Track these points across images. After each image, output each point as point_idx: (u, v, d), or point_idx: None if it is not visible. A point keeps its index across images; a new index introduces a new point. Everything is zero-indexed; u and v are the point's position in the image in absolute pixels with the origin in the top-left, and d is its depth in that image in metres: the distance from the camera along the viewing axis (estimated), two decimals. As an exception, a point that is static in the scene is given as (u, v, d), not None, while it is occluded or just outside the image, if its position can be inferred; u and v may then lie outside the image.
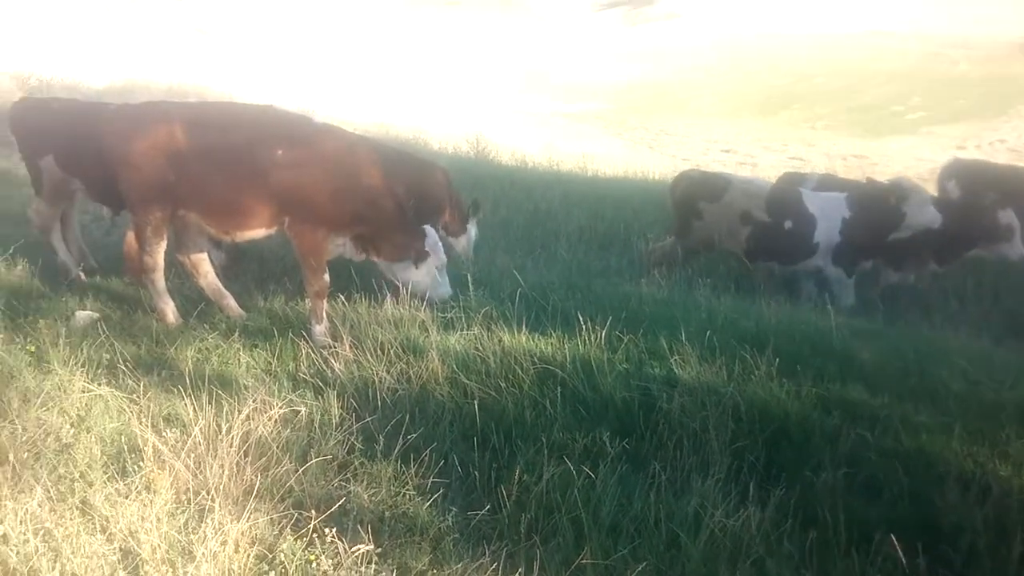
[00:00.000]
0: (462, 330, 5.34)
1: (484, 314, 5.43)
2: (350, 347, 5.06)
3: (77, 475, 3.78)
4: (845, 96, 39.81)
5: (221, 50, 44.51)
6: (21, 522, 3.29)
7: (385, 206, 5.78)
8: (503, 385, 4.66)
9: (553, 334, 5.28)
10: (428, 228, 6.05)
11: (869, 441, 4.20)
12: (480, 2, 63.89)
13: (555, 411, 4.40)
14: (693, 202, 8.01)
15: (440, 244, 6.06)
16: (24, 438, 4.02)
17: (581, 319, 5.12)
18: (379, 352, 4.98)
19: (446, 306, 5.75)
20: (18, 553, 3.14)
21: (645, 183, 14.11)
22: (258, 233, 5.82)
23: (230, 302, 6.03)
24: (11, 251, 6.49)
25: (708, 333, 5.08)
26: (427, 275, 5.93)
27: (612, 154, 23.08)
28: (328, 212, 5.61)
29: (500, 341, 5.11)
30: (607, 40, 58.43)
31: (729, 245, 7.89)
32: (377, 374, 4.82)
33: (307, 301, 5.83)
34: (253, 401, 4.17)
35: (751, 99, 40.98)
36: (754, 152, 30.09)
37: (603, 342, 5.04)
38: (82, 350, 5.05)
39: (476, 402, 4.40)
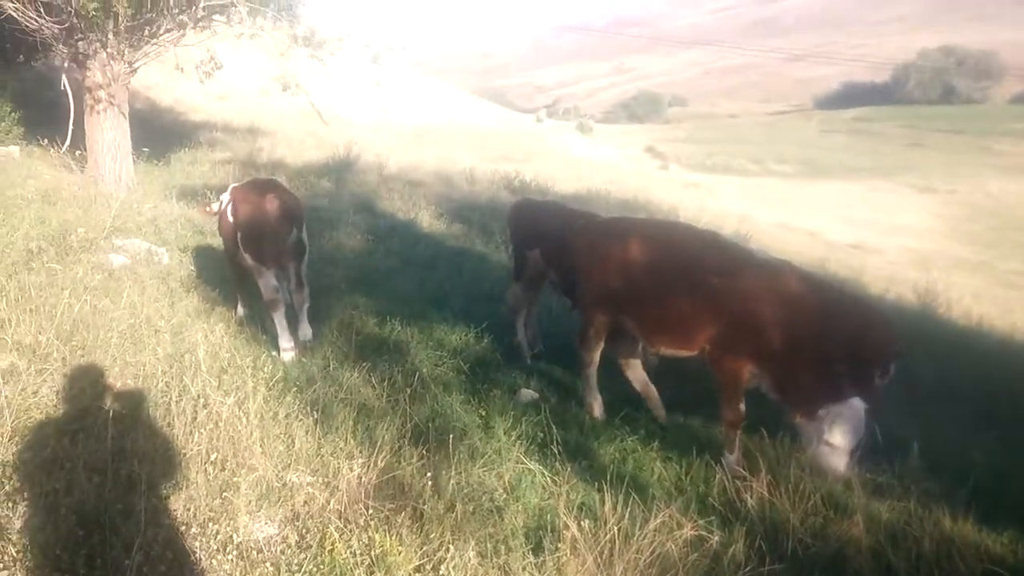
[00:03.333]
0: (893, 499, 4.84)
1: (922, 488, 4.87)
2: (767, 485, 4.89)
3: (502, 537, 4.18)
4: None
5: (665, 170, 47.83)
6: (456, 568, 3.73)
7: (807, 352, 5.25)
8: (937, 574, 4.09)
9: (1007, 533, 4.52)
10: (855, 401, 5.10)
11: None
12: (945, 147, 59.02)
13: (1004, 626, 3.72)
14: None
15: (857, 421, 5.11)
16: (466, 491, 4.58)
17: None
18: (796, 499, 4.73)
19: (879, 469, 5.26)
20: (454, 596, 3.56)
21: None
22: (680, 352, 5.87)
23: (656, 404, 6.25)
24: (483, 325, 7.59)
25: None
26: (823, 441, 5.17)
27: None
28: (749, 348, 5.42)
29: (937, 523, 4.51)
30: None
31: None
32: (791, 521, 4.58)
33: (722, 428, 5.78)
34: (663, 515, 4.22)
35: None
36: None
37: (1079, 561, 4.16)
38: (521, 424, 5.66)
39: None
